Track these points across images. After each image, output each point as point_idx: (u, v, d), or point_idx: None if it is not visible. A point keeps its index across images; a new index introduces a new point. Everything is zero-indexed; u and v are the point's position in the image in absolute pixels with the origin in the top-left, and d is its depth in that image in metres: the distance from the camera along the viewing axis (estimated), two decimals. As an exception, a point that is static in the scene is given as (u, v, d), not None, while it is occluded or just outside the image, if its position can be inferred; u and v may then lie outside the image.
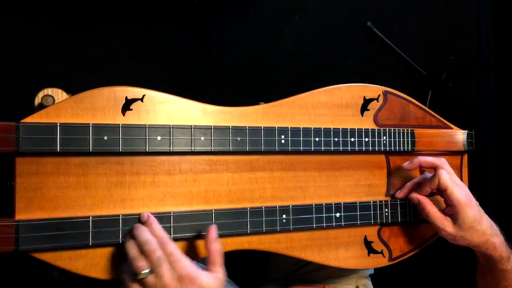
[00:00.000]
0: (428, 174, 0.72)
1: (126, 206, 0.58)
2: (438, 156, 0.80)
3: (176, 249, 0.53)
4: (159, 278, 0.51)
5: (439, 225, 0.69)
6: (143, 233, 0.53)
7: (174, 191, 0.60)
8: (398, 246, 0.75)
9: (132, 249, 0.52)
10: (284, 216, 0.65)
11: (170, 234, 0.58)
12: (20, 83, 1.20)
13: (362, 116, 0.73)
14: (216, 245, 0.56)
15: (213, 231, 0.57)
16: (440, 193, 0.70)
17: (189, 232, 0.59)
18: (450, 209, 0.69)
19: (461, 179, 0.82)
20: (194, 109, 0.62)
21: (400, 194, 0.74)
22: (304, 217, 0.66)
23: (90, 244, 0.54)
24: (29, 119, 0.53)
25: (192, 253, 0.60)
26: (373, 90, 0.74)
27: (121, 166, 0.58)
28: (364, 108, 0.73)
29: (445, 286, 1.64)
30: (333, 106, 0.71)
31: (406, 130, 0.76)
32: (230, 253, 0.63)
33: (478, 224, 0.67)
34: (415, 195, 0.72)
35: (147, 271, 0.51)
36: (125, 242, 0.54)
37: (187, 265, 0.52)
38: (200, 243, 0.61)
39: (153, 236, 0.53)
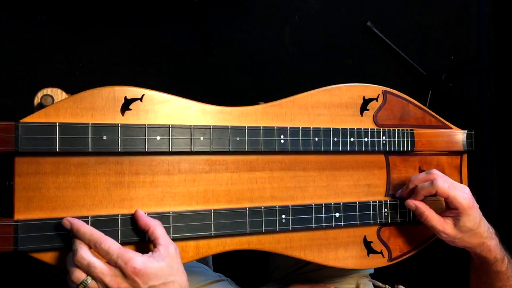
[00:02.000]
0: (423, 174, 0.72)
1: (125, 206, 0.58)
2: (437, 156, 0.80)
3: (114, 245, 0.50)
4: (100, 282, 0.49)
5: (439, 228, 0.69)
6: (73, 244, 0.51)
7: (173, 191, 0.60)
8: (397, 246, 0.75)
9: (68, 262, 0.51)
10: (283, 216, 0.65)
11: (169, 234, 0.58)
12: (20, 83, 1.20)
13: (362, 116, 0.73)
14: (149, 219, 0.55)
15: (139, 210, 0.56)
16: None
17: (188, 232, 0.59)
18: (451, 212, 0.69)
19: (461, 179, 0.82)
20: (193, 109, 0.62)
21: (398, 194, 0.74)
22: (304, 217, 0.66)
23: (89, 244, 0.54)
24: (28, 119, 0.53)
25: (191, 253, 0.60)
26: (372, 90, 0.74)
27: (120, 166, 0.58)
28: (363, 108, 0.73)
29: (444, 286, 1.64)
30: (333, 106, 0.71)
31: (406, 130, 0.76)
32: (230, 253, 0.63)
33: (477, 227, 0.68)
34: (412, 202, 0.71)
35: (84, 279, 0.49)
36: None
37: (131, 259, 0.49)
38: (199, 243, 0.61)
39: (86, 241, 0.51)
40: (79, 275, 0.49)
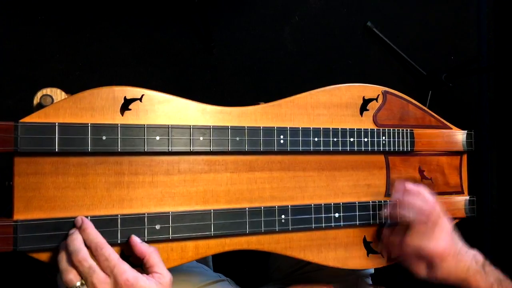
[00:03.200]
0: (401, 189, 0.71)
1: (125, 206, 0.58)
2: (437, 156, 0.80)
3: (113, 254, 0.51)
4: None
5: (412, 270, 0.67)
6: (73, 242, 0.51)
7: (173, 191, 0.60)
8: (397, 246, 0.75)
9: (62, 261, 0.50)
10: (283, 216, 0.65)
11: (168, 234, 0.58)
12: (20, 83, 1.20)
13: (362, 116, 0.73)
14: (144, 246, 0.55)
15: (133, 237, 0.56)
16: None
17: (188, 233, 0.59)
18: (424, 258, 0.66)
19: (461, 179, 0.82)
20: (193, 109, 0.62)
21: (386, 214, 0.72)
22: (303, 217, 0.66)
23: (89, 244, 0.54)
24: (27, 119, 0.53)
25: (190, 253, 0.60)
26: (372, 90, 0.74)
27: (119, 166, 0.58)
28: (363, 108, 0.73)
29: (444, 286, 1.63)
30: (332, 106, 0.71)
31: (406, 130, 0.76)
32: (230, 253, 0.63)
33: (453, 273, 0.65)
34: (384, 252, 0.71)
35: (78, 284, 0.49)
36: (58, 252, 0.52)
37: (126, 271, 0.50)
38: (199, 243, 0.61)
39: (88, 242, 0.51)
40: (73, 277, 0.49)
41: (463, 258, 0.66)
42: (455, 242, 0.67)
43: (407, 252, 0.67)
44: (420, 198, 0.68)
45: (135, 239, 0.56)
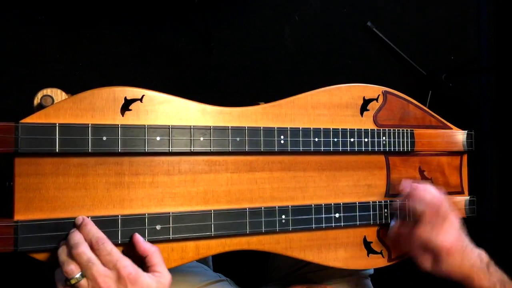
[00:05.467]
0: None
1: (125, 207, 0.58)
2: (437, 156, 0.80)
3: (115, 249, 0.51)
4: (93, 281, 0.49)
5: (418, 263, 0.68)
6: (73, 236, 0.51)
7: (173, 191, 0.60)
8: (397, 246, 0.75)
9: (62, 254, 0.51)
10: (283, 216, 0.65)
11: (169, 234, 0.58)
12: (20, 83, 1.20)
13: (362, 116, 0.73)
14: (147, 245, 0.55)
15: (137, 235, 0.56)
16: None
17: (188, 233, 0.59)
18: (431, 252, 0.67)
19: (461, 179, 0.82)
20: (193, 110, 0.62)
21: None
22: (304, 218, 0.66)
23: (89, 244, 0.54)
24: (28, 120, 0.53)
25: (191, 253, 0.60)
26: (372, 90, 0.74)
27: (120, 167, 0.58)
28: (363, 108, 0.73)
29: (443, 286, 1.64)
30: (333, 106, 0.71)
31: (406, 130, 0.76)
32: (230, 253, 0.63)
33: (458, 268, 0.66)
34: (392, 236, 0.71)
35: (78, 275, 0.49)
36: (58, 248, 0.52)
37: (127, 265, 0.50)
38: (199, 244, 0.61)
39: (89, 237, 0.51)
40: (74, 268, 0.49)
41: (469, 255, 0.67)
42: (462, 238, 0.67)
43: (415, 244, 0.67)
44: (428, 193, 0.68)
45: (138, 237, 0.56)
